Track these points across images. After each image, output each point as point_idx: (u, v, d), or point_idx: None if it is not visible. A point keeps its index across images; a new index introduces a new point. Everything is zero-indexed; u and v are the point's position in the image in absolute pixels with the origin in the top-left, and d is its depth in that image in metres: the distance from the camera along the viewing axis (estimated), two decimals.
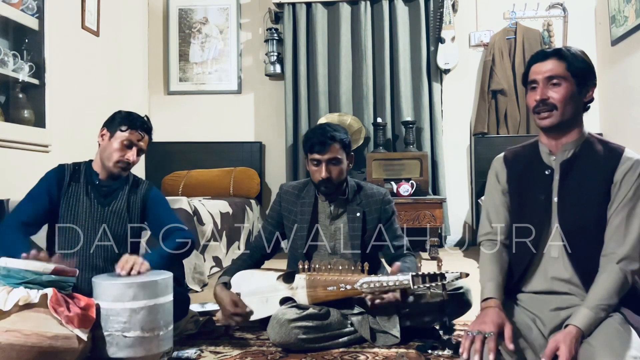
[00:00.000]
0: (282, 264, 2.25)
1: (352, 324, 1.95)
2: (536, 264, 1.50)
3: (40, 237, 1.97)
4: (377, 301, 1.83)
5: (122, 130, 1.92)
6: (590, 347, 1.29)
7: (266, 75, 4.82)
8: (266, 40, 4.77)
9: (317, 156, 2.02)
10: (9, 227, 1.85)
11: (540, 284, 1.49)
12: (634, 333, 1.32)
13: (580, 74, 1.45)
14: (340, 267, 1.90)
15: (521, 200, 1.55)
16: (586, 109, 1.51)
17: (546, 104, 1.45)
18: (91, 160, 2.02)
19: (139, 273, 1.70)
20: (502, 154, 1.65)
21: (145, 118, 2.00)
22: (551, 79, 1.45)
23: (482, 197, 4.22)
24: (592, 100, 1.50)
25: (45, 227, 1.96)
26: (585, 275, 1.42)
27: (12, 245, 1.74)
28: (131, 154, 1.93)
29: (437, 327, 2.01)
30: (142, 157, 1.99)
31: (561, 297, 1.46)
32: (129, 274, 1.69)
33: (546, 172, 1.51)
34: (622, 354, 1.24)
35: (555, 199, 1.48)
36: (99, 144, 1.98)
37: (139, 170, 2.27)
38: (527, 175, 1.55)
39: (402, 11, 4.61)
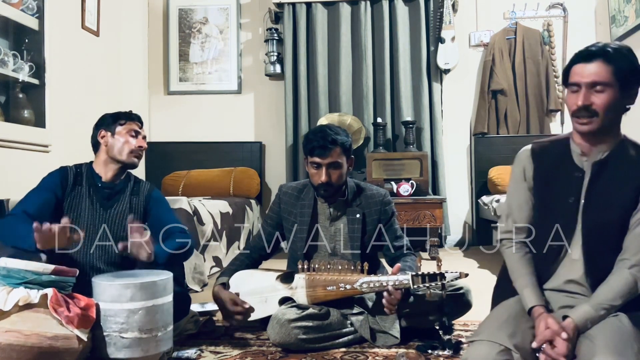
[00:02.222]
0: (282, 264, 2.25)
1: (352, 324, 1.95)
2: (556, 264, 1.47)
3: None
4: (388, 298, 1.80)
5: (121, 124, 1.98)
6: (592, 344, 1.28)
7: (266, 75, 4.82)
8: (266, 40, 4.77)
9: (317, 160, 2.00)
10: (18, 218, 1.81)
11: (553, 282, 1.47)
12: (638, 334, 1.31)
13: (625, 78, 1.36)
14: (339, 267, 1.90)
15: (547, 201, 1.49)
16: (626, 110, 1.42)
17: (589, 110, 1.36)
18: (92, 162, 2.02)
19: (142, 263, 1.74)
20: (528, 147, 1.55)
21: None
22: (595, 85, 1.35)
23: (483, 197, 4.27)
24: (633, 102, 1.42)
25: None
26: (597, 279, 1.40)
27: (24, 234, 1.67)
28: (140, 141, 2.00)
29: (437, 327, 2.01)
30: (142, 157, 2.04)
31: (571, 297, 1.45)
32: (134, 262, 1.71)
33: (576, 174, 1.45)
34: (624, 352, 1.24)
35: (582, 201, 1.43)
36: (100, 146, 1.99)
37: (139, 169, 2.27)
38: (556, 174, 1.48)
39: (402, 11, 4.61)
